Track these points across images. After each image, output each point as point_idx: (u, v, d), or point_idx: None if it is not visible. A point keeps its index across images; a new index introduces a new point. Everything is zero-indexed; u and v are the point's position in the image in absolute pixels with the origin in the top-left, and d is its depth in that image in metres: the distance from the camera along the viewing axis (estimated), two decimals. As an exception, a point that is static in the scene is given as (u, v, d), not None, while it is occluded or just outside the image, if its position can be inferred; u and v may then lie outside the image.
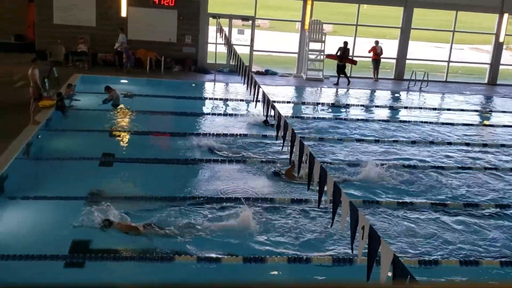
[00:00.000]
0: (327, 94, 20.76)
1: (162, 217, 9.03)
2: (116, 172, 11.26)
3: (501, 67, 24.56)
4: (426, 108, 19.15)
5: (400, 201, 10.54)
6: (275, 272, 7.94)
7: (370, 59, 23.06)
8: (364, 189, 11.02)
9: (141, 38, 21.21)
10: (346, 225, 5.77)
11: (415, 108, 19.18)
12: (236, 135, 14.06)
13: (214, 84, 20.42)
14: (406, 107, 19.32)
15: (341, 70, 21.82)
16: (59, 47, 20.50)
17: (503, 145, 15.14)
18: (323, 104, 19.02)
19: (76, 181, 10.41)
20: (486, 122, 18.60)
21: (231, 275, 7.59)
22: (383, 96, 21.41)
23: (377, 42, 22.71)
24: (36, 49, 20.70)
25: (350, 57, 22.45)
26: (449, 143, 14.89)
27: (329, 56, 22.09)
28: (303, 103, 18.85)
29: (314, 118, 16.76)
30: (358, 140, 14.53)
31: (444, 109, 19.46)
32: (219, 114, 16.45)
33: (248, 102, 17.04)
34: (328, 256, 8.25)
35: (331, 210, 6.30)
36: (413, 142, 14.70)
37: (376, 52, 22.62)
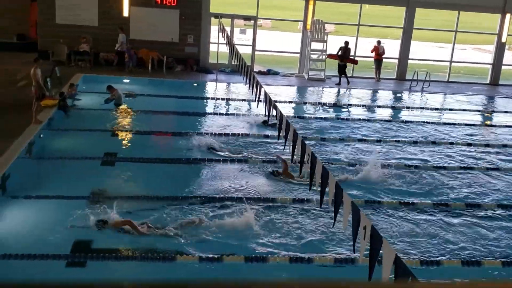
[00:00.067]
0: (329, 94, 20.75)
1: (160, 216, 9.04)
2: (117, 171, 11.28)
3: (503, 67, 24.54)
4: (428, 108, 19.14)
5: (402, 201, 10.53)
6: (277, 272, 7.94)
7: (372, 59, 23.06)
8: (365, 189, 11.01)
9: (143, 38, 21.23)
10: (348, 225, 5.78)
11: (417, 108, 19.16)
12: (236, 134, 14.06)
13: (216, 84, 20.43)
14: (408, 107, 19.31)
15: (342, 70, 21.81)
16: (61, 46, 20.53)
17: (505, 145, 15.13)
18: (324, 104, 19.01)
19: (78, 180, 10.42)
20: (488, 122, 18.59)
21: (231, 274, 7.59)
22: (385, 96, 21.40)
23: (379, 42, 22.70)
24: (39, 48, 20.74)
25: (351, 57, 22.43)
26: (451, 143, 14.88)
27: (330, 56, 22.09)
28: (305, 103, 18.85)
29: (316, 118, 16.75)
30: (359, 140, 14.53)
31: (446, 109, 19.44)
32: (219, 114, 16.46)
33: (249, 102, 17.03)
34: (330, 256, 8.25)
35: (333, 210, 6.30)
36: (415, 142, 14.70)
37: (378, 52, 22.61)
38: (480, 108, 20.51)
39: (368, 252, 5.19)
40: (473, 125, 17.43)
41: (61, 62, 19.65)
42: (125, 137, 13.77)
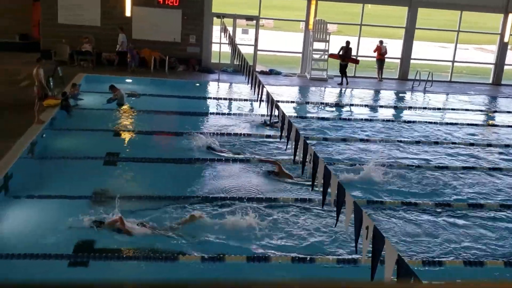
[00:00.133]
0: (331, 94, 20.74)
1: (161, 216, 9.05)
2: (120, 171, 11.30)
3: (505, 67, 24.49)
4: (430, 108, 19.12)
5: (404, 201, 10.51)
6: (278, 272, 7.93)
7: (375, 59, 23.04)
8: (367, 189, 11.01)
9: (145, 38, 21.24)
10: (350, 225, 5.77)
11: (419, 108, 19.14)
12: (236, 134, 14.05)
13: (218, 84, 20.43)
14: (410, 107, 19.29)
15: (343, 70, 21.80)
16: (63, 46, 20.55)
17: (507, 145, 15.11)
18: (327, 104, 19.00)
19: (80, 180, 10.44)
20: (490, 122, 18.56)
21: (232, 274, 7.59)
22: (387, 96, 21.38)
23: (381, 42, 22.68)
24: (41, 48, 20.77)
25: (353, 57, 22.40)
26: (454, 143, 14.86)
27: (332, 55, 22.08)
28: (307, 103, 18.84)
29: (318, 118, 16.74)
30: (361, 140, 14.52)
31: (448, 109, 19.42)
32: (221, 114, 16.46)
33: (251, 101, 17.03)
34: (332, 257, 8.24)
35: (335, 210, 6.30)
36: (417, 142, 14.69)
37: (381, 52, 22.59)
38: (483, 108, 20.48)
39: (370, 252, 5.19)
40: (476, 125, 17.40)
41: (64, 62, 19.68)
42: (127, 137, 13.78)
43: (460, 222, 9.87)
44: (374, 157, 13.04)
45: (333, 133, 15.12)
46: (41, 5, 20.98)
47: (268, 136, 14.10)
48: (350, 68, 22.91)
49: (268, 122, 14.87)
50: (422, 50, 26.77)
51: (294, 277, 7.86)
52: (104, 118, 14.67)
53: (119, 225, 8.46)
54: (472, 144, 14.88)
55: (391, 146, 14.25)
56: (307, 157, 7.57)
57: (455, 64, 24.46)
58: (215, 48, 21.85)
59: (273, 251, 8.29)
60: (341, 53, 21.80)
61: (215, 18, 21.65)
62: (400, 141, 14.64)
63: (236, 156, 12.44)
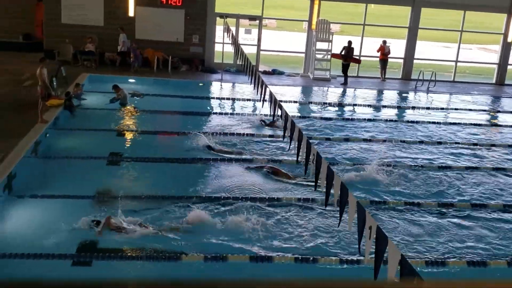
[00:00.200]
0: (334, 94, 20.72)
1: (160, 216, 9.05)
2: (123, 171, 11.32)
3: (509, 67, 24.43)
4: (433, 108, 19.10)
5: (407, 201, 10.50)
6: (281, 272, 7.93)
7: (378, 59, 23.01)
8: (370, 189, 11.00)
9: (148, 38, 21.26)
10: (353, 225, 5.77)
11: (423, 108, 19.12)
12: (232, 134, 14.05)
13: (221, 84, 20.44)
14: (413, 107, 19.26)
15: (345, 70, 21.79)
16: (67, 46, 20.59)
17: (511, 146, 15.07)
18: (330, 104, 18.99)
19: (83, 180, 10.46)
20: (494, 121, 18.53)
21: (234, 274, 7.59)
22: (390, 96, 21.35)
23: (384, 42, 22.66)
24: (44, 48, 20.80)
25: (355, 57, 22.35)
26: (457, 143, 14.84)
27: (334, 55, 22.07)
28: (310, 103, 18.83)
29: (321, 118, 16.74)
30: (364, 140, 14.51)
31: (451, 109, 19.39)
32: (224, 114, 16.47)
33: (254, 101, 17.04)
34: (335, 258, 8.24)
35: (338, 210, 6.29)
36: (421, 142, 14.67)
37: (384, 52, 22.56)
38: (486, 108, 20.44)
39: (373, 252, 5.19)
40: (479, 125, 17.36)
41: (67, 62, 19.70)
42: (131, 136, 13.80)
43: (463, 222, 9.86)
44: (377, 157, 13.03)
45: (336, 133, 15.11)
46: (45, 5, 21.02)
47: (267, 136, 14.12)
48: (353, 68, 22.89)
49: (267, 122, 14.94)
50: (425, 50, 26.72)
51: (297, 277, 7.86)
52: (107, 118, 14.69)
53: (107, 225, 8.46)
54: (475, 144, 14.85)
55: (394, 146, 14.23)
56: (310, 157, 7.56)
57: (459, 64, 24.41)
58: (218, 48, 21.86)
59: (272, 251, 8.29)
60: (343, 53, 21.78)
61: (218, 18, 21.66)
62: (403, 141, 14.62)
63: (236, 156, 12.43)
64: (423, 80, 22.04)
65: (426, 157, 13.49)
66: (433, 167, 12.64)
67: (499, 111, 20.03)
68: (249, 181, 11.14)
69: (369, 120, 16.84)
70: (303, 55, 23.13)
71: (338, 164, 12.19)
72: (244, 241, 8.52)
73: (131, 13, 20.99)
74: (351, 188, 6.34)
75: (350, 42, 21.87)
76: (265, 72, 21.97)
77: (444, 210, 10.26)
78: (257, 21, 22.67)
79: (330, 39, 22.20)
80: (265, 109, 13.03)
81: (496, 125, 18.15)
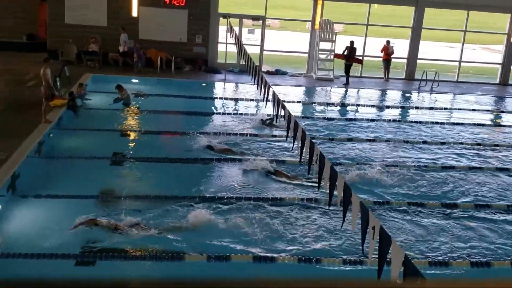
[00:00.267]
0: (337, 94, 20.71)
1: (162, 216, 9.06)
2: (126, 171, 11.33)
3: (513, 67, 24.39)
4: (437, 108, 19.06)
5: (410, 201, 10.48)
6: (283, 272, 7.93)
7: (381, 59, 22.99)
8: (373, 190, 10.99)
9: (151, 38, 21.29)
10: (356, 225, 5.77)
11: (426, 108, 19.09)
12: (237, 134, 14.06)
13: (224, 84, 20.45)
14: (417, 107, 19.23)
15: (348, 70, 21.78)
16: (70, 46, 20.63)
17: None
18: (333, 104, 18.98)
19: (87, 180, 10.47)
20: (498, 121, 18.49)
21: (236, 274, 7.59)
22: (393, 96, 21.32)
23: (388, 42, 22.63)
24: (48, 48, 20.86)
25: (357, 57, 22.31)
26: (460, 143, 14.80)
27: (336, 55, 22.05)
28: (313, 103, 18.82)
29: (324, 118, 16.73)
30: (368, 140, 14.49)
31: (455, 109, 19.35)
32: (227, 114, 16.48)
33: (257, 101, 17.05)
34: (339, 259, 8.23)
35: (341, 210, 6.29)
36: (424, 142, 14.64)
37: (388, 52, 22.54)
38: (490, 108, 20.39)
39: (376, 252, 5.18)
40: (483, 125, 17.33)
41: (71, 62, 19.74)
42: (134, 137, 13.81)
43: (467, 222, 9.83)
44: (380, 157, 13.01)
45: (339, 133, 15.09)
46: (48, 5, 21.07)
47: (270, 136, 14.12)
48: (357, 68, 22.87)
49: (268, 122, 14.96)
50: (429, 50, 26.68)
51: (300, 277, 7.84)
52: (111, 118, 14.71)
53: (119, 227, 8.47)
54: (479, 145, 14.82)
55: (398, 146, 14.21)
56: (314, 157, 7.56)
57: (462, 64, 24.37)
58: (221, 48, 21.87)
59: (274, 252, 8.28)
60: (345, 53, 21.77)
61: (221, 18, 21.67)
62: (407, 141, 14.59)
63: (237, 156, 12.43)
64: (426, 80, 22.00)
65: (429, 157, 13.46)
66: (436, 167, 12.62)
67: (502, 111, 19.99)
68: (249, 181, 11.14)
69: (372, 120, 16.82)
70: (306, 55, 23.12)
71: (341, 165, 12.17)
72: (246, 242, 8.51)
73: (134, 13, 21.02)
74: (354, 189, 6.33)
75: (352, 42, 21.85)
76: (268, 72, 21.98)
77: (447, 211, 10.24)
78: (260, 21, 22.67)
79: (334, 39, 22.19)
80: (268, 109, 13.02)
81: (500, 125, 18.11)
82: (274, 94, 10.89)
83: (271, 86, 11.71)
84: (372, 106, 18.98)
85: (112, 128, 13.89)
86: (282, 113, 10.03)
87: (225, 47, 20.44)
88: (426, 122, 16.85)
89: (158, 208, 9.35)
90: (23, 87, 16.28)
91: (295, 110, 16.24)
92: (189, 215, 9.04)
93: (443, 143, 14.71)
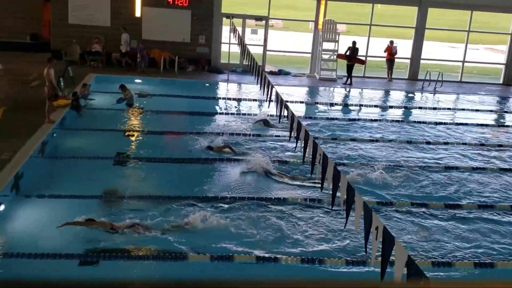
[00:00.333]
0: (340, 94, 20.69)
1: (162, 216, 9.06)
2: (129, 171, 11.34)
3: (516, 67, 24.32)
4: (440, 109, 19.03)
5: (414, 202, 10.46)
6: (286, 273, 7.92)
7: (384, 59, 22.96)
8: (376, 190, 10.97)
9: (155, 38, 21.31)
10: (359, 226, 5.76)
11: (429, 108, 19.05)
12: (238, 134, 14.05)
13: (228, 84, 20.46)
14: (420, 107, 19.20)
15: (350, 70, 21.76)
16: (74, 46, 20.67)
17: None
18: (336, 104, 18.97)
19: (90, 180, 10.49)
20: (501, 121, 18.44)
21: (238, 274, 7.59)
22: (397, 96, 21.29)
23: (391, 42, 22.60)
24: (51, 48, 20.89)
25: (359, 57, 22.27)
26: (464, 144, 14.77)
27: (339, 56, 22.04)
28: (316, 103, 18.81)
29: (327, 118, 16.72)
30: (371, 140, 14.47)
31: (458, 109, 19.31)
32: (229, 114, 16.48)
33: (261, 101, 17.05)
34: (342, 259, 8.22)
35: (345, 210, 6.28)
36: (427, 143, 14.62)
37: (391, 52, 22.51)
38: (493, 108, 20.34)
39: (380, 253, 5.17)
40: (486, 125, 17.29)
41: (74, 62, 19.78)
42: (137, 137, 13.82)
43: (470, 223, 9.81)
44: (384, 157, 12.99)
45: (342, 133, 15.08)
46: (52, 5, 21.11)
47: (266, 136, 14.14)
48: (360, 68, 22.85)
49: (260, 122, 14.98)
50: (432, 50, 26.64)
51: (303, 277, 7.83)
52: (114, 118, 14.73)
53: (118, 228, 8.47)
54: (482, 145, 14.78)
55: (401, 146, 14.18)
56: (317, 157, 7.55)
57: (465, 64, 24.32)
58: (224, 48, 21.88)
59: (276, 252, 8.28)
60: (347, 53, 21.75)
61: (224, 19, 21.68)
62: (410, 142, 14.57)
63: (236, 156, 12.42)
64: (430, 80, 21.97)
65: (432, 157, 13.44)
66: (440, 168, 12.59)
67: (506, 112, 19.93)
68: (249, 181, 11.14)
69: (376, 120, 16.80)
70: (309, 55, 23.11)
71: (344, 165, 12.15)
72: (249, 242, 8.52)
73: (137, 13, 21.03)
74: (357, 189, 6.32)
75: (354, 43, 21.83)
76: (271, 73, 21.98)
77: (451, 211, 10.22)
78: (264, 22, 22.67)
79: (337, 39, 22.17)
80: (271, 109, 13.01)
81: (504, 125, 18.07)
82: (277, 94, 10.89)
83: (274, 86, 11.71)
84: (376, 106, 18.97)
85: (115, 128, 13.90)
86: (285, 113, 10.03)
87: (228, 47, 20.45)
88: (430, 123, 16.82)
89: (161, 208, 9.36)
90: (27, 87, 16.32)
91: (298, 110, 16.23)
92: (192, 215, 9.04)
93: (446, 144, 14.68)
